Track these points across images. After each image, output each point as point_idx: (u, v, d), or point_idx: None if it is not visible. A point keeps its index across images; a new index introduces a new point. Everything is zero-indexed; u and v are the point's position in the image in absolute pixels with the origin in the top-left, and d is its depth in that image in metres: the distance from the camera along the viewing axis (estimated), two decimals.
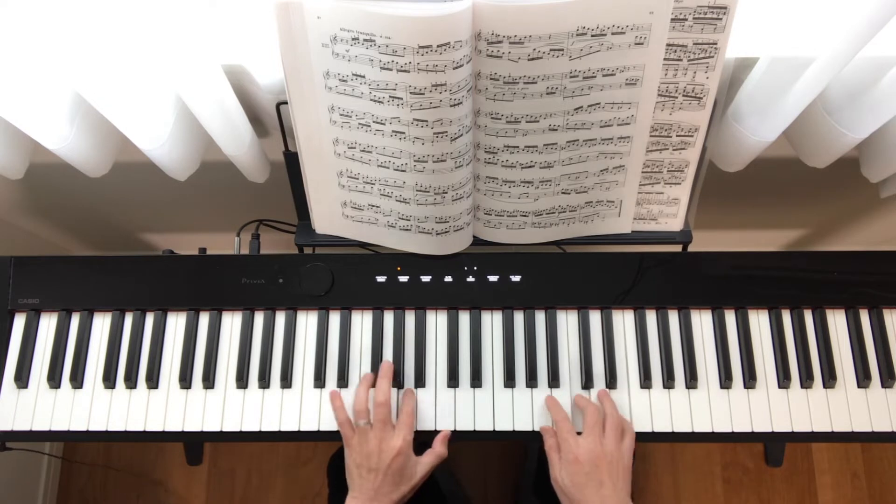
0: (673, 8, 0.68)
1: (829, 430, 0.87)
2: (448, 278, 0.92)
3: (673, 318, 0.92)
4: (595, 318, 0.92)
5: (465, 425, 0.88)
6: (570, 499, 0.79)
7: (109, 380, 0.89)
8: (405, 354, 0.91)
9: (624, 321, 0.92)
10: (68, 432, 0.88)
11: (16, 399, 0.89)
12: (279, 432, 0.88)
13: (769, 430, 0.87)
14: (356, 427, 0.83)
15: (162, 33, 0.67)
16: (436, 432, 0.88)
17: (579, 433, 0.83)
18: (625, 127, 0.80)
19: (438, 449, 0.86)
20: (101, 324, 0.92)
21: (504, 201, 0.87)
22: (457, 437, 0.88)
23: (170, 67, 0.71)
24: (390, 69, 0.69)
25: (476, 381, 0.89)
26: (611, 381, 0.89)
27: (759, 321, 0.91)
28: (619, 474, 0.79)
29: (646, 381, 0.89)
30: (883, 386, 0.89)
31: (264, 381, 0.90)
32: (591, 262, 0.92)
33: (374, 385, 0.86)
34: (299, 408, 0.89)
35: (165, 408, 0.89)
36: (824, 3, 0.69)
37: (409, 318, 0.92)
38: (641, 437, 0.87)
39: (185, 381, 0.89)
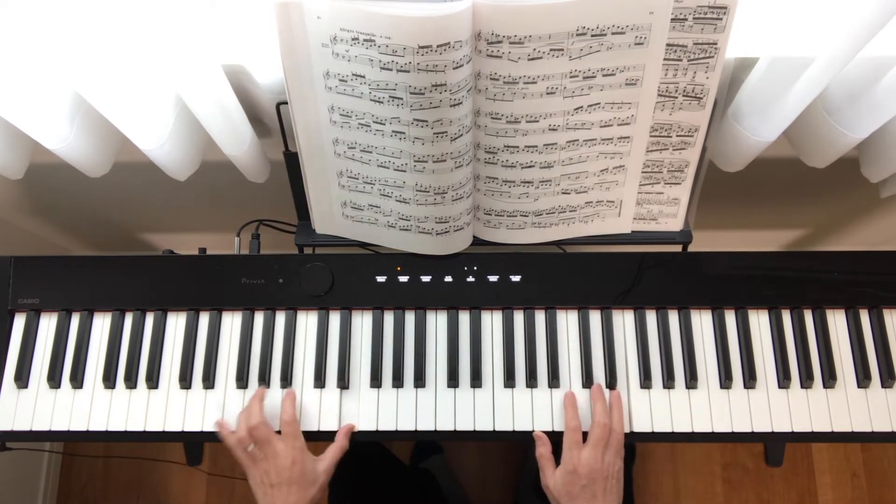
0: (673, 8, 0.68)
1: (829, 430, 0.87)
2: (448, 278, 0.92)
3: (673, 318, 0.92)
4: (595, 318, 0.92)
5: (465, 425, 0.88)
6: None
7: (109, 380, 0.89)
8: (405, 354, 0.91)
9: (624, 321, 0.92)
10: (68, 432, 0.88)
11: (16, 399, 0.89)
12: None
13: (769, 430, 0.87)
14: (246, 452, 0.83)
15: (162, 33, 0.67)
16: (436, 433, 0.88)
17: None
18: (625, 127, 0.80)
19: (341, 442, 0.86)
20: (101, 324, 0.92)
21: (504, 201, 0.87)
22: (457, 437, 0.88)
23: (170, 67, 0.71)
24: (390, 69, 0.69)
25: (476, 381, 0.89)
26: (611, 381, 0.89)
27: (759, 321, 0.91)
28: (612, 490, 0.81)
29: (646, 381, 0.89)
30: (883, 386, 0.89)
31: (265, 382, 0.89)
32: (591, 262, 0.92)
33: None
34: (300, 408, 0.88)
35: (165, 408, 0.89)
36: (824, 3, 0.69)
37: (409, 318, 0.92)
38: (642, 438, 0.87)
39: (185, 381, 0.89)
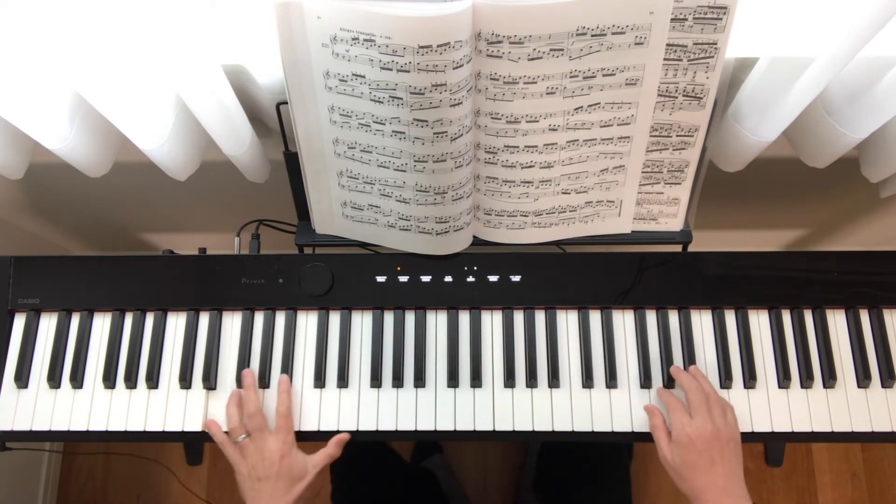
0: (673, 8, 0.68)
1: (829, 430, 0.87)
2: (448, 278, 0.92)
3: (673, 318, 0.92)
4: (595, 318, 0.92)
5: (465, 425, 0.88)
6: (681, 476, 0.80)
7: (109, 380, 0.89)
8: (405, 354, 0.91)
9: (624, 321, 0.92)
10: (68, 432, 0.88)
11: (16, 399, 0.89)
12: None
13: (769, 430, 0.87)
14: (236, 444, 0.84)
15: (162, 33, 0.67)
16: (436, 433, 0.88)
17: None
18: (625, 127, 0.80)
19: (331, 450, 0.86)
20: (101, 324, 0.92)
21: (504, 201, 0.87)
22: (457, 437, 0.88)
23: (170, 67, 0.71)
24: (390, 69, 0.69)
25: (476, 381, 0.89)
26: (611, 381, 0.89)
27: (759, 321, 0.91)
28: (730, 452, 0.79)
29: (646, 382, 0.89)
30: (883, 386, 0.89)
31: (264, 382, 0.89)
32: (591, 262, 0.92)
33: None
34: (300, 408, 0.89)
35: (165, 408, 0.89)
36: (824, 3, 0.69)
37: (409, 318, 0.92)
38: (642, 438, 0.87)
39: (186, 381, 0.89)
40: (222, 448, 0.85)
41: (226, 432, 0.86)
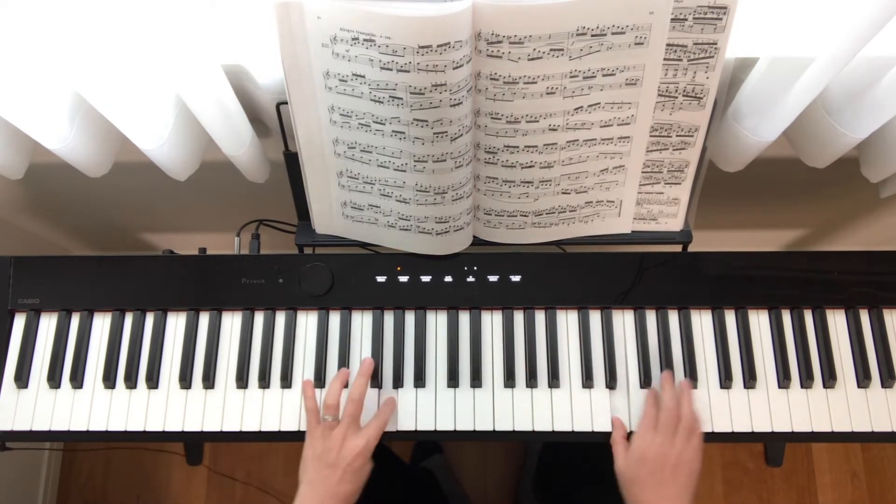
0: (673, 8, 0.68)
1: (829, 430, 0.87)
2: (448, 278, 0.92)
3: (673, 318, 0.92)
4: (595, 318, 0.92)
5: (465, 425, 0.88)
6: (629, 492, 0.80)
7: (109, 380, 0.89)
8: (405, 354, 0.91)
9: (624, 321, 0.92)
10: (68, 432, 0.88)
11: (16, 399, 0.89)
12: (279, 432, 0.88)
13: (769, 430, 0.87)
14: (322, 420, 0.83)
15: (162, 33, 0.67)
16: (436, 433, 0.88)
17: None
18: (625, 127, 0.80)
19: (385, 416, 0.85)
20: (101, 324, 0.92)
21: (504, 201, 0.87)
22: (457, 437, 0.88)
23: (170, 67, 0.71)
24: (390, 69, 0.69)
25: (476, 381, 0.89)
26: (610, 381, 0.89)
27: (759, 321, 0.91)
28: (683, 477, 0.79)
29: (646, 382, 0.89)
30: (883, 386, 0.89)
31: (264, 382, 0.89)
32: (591, 262, 0.92)
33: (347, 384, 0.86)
34: (300, 408, 0.89)
35: (165, 408, 0.89)
36: (824, 3, 0.69)
37: (409, 318, 0.92)
38: None
39: (185, 381, 0.89)
40: (308, 415, 0.83)
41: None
